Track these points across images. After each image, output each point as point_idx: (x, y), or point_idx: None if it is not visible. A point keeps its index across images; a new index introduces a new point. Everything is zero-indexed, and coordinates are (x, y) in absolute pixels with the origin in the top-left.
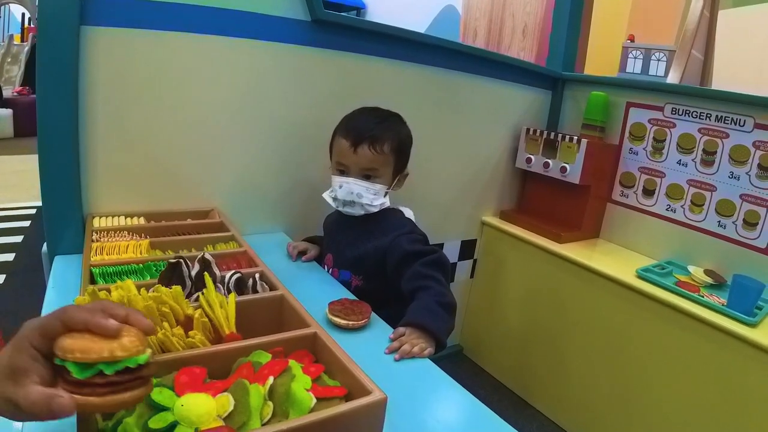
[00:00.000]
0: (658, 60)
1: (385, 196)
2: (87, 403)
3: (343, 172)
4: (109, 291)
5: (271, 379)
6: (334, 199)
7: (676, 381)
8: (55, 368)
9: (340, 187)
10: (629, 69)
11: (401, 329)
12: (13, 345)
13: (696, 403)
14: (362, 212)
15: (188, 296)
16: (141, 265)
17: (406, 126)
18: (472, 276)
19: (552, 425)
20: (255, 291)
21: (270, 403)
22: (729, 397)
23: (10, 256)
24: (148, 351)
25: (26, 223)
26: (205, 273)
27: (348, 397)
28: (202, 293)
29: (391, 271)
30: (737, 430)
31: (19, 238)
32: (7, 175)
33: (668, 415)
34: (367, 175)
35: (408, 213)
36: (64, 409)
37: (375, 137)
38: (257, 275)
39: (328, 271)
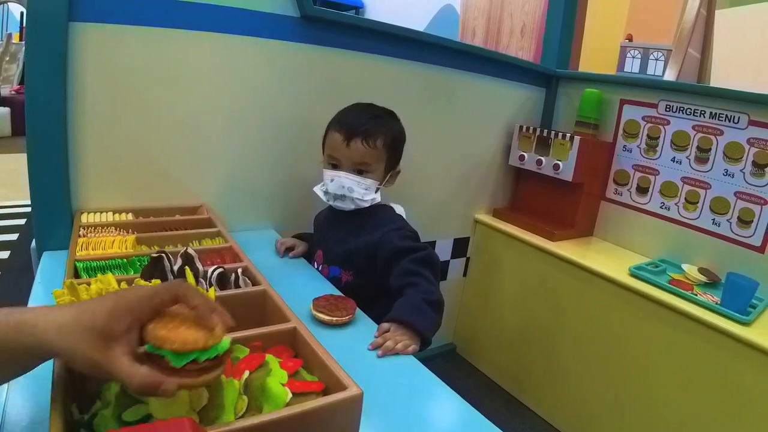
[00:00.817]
0: (656, 59)
1: (376, 191)
2: (185, 385)
3: (335, 167)
4: (89, 285)
5: (246, 373)
6: (325, 192)
7: (669, 380)
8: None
9: (332, 180)
10: (627, 68)
11: (385, 325)
12: (113, 309)
13: (690, 401)
14: (353, 207)
15: None
16: (125, 260)
17: (399, 123)
18: (465, 274)
19: (545, 424)
20: (237, 286)
21: (245, 397)
22: (723, 396)
23: (5, 254)
24: (228, 337)
25: (21, 221)
26: (186, 267)
27: (325, 393)
28: None
29: (381, 267)
30: (731, 428)
31: (14, 236)
32: (4, 173)
33: (662, 414)
34: (359, 170)
35: (399, 210)
36: (169, 393)
37: (368, 132)
38: (240, 270)
39: (317, 268)
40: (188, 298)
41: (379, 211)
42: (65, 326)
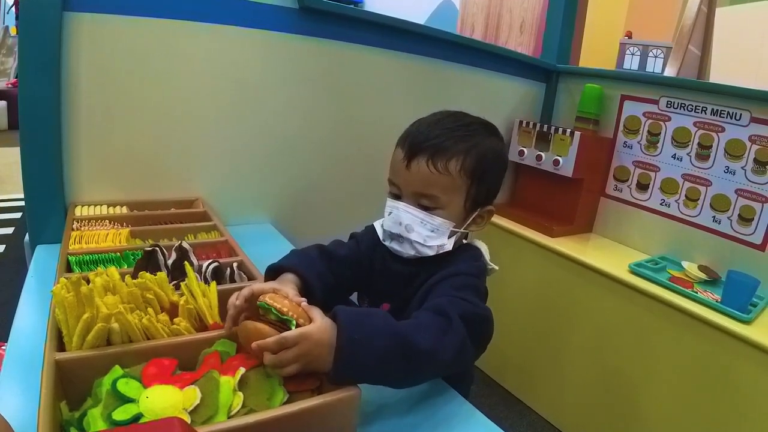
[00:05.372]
0: (656, 57)
1: (450, 237)
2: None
3: (396, 196)
4: (87, 280)
5: (242, 370)
6: (383, 230)
7: (668, 378)
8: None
9: (389, 213)
10: (626, 66)
11: (293, 335)
12: None
13: (688, 400)
14: (412, 253)
15: None
16: (119, 254)
17: (495, 140)
18: None
19: (543, 422)
20: (233, 281)
21: (240, 394)
22: (722, 395)
23: (0, 248)
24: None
25: (17, 215)
26: (186, 263)
27: (320, 390)
28: (183, 282)
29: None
30: (730, 428)
31: (9, 230)
32: (1, 166)
33: (660, 412)
34: (424, 205)
35: (483, 250)
36: None
37: (438, 148)
38: (235, 265)
39: None
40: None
41: (459, 254)
42: None
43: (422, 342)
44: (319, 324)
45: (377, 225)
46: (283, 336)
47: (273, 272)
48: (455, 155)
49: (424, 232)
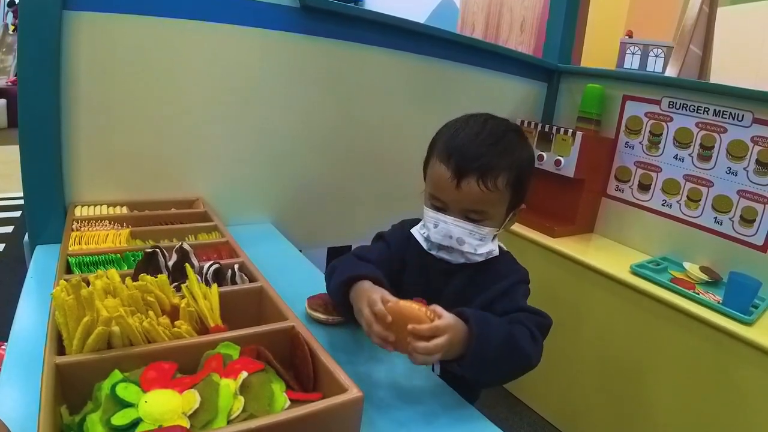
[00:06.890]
0: (656, 56)
1: (493, 240)
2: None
3: (440, 209)
4: (87, 282)
5: (244, 374)
6: (426, 239)
7: (669, 379)
8: None
9: (435, 226)
10: (627, 65)
11: (449, 320)
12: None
13: (690, 401)
14: (462, 261)
15: None
16: (119, 255)
17: (527, 145)
18: None
19: (543, 422)
20: (234, 282)
21: (240, 398)
22: (723, 396)
23: None
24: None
25: (17, 214)
26: (187, 264)
27: (324, 395)
28: (184, 285)
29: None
30: (731, 429)
31: (9, 229)
32: (0, 164)
33: (661, 414)
34: (472, 218)
35: None
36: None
37: (487, 168)
38: (236, 266)
39: None
40: None
41: (500, 258)
42: None
43: (525, 347)
44: (454, 318)
45: (416, 233)
46: (435, 325)
47: (345, 283)
48: (501, 172)
49: (474, 242)
